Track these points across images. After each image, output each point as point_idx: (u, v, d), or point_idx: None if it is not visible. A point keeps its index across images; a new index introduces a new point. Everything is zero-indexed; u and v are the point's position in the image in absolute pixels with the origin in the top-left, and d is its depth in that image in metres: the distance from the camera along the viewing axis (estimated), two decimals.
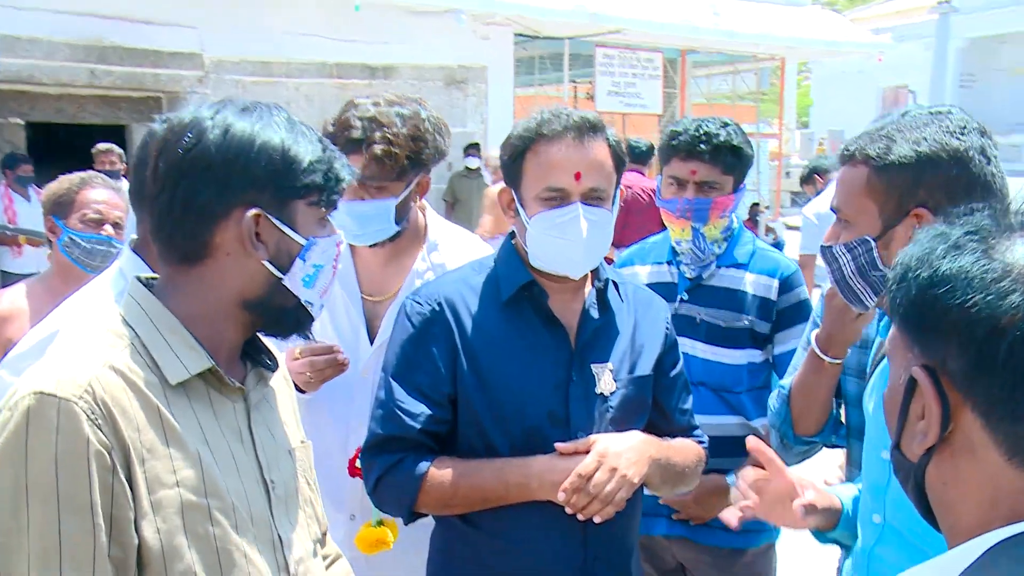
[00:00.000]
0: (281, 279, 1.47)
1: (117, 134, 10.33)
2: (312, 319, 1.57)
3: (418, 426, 2.00)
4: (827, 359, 2.13)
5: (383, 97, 2.41)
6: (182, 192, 1.41)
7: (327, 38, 10.86)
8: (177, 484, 1.35)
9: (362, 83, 11.23)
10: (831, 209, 1.89)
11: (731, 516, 2.04)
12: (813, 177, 9.30)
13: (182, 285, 1.46)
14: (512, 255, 2.13)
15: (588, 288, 2.14)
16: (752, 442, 1.97)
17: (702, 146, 2.70)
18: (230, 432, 1.47)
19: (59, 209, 2.89)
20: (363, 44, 11.18)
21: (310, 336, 1.64)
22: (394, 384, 2.03)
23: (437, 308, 2.06)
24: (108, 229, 2.89)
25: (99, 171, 4.38)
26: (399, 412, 2.01)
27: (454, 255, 2.52)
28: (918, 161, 1.71)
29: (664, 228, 2.92)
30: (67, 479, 1.25)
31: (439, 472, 1.97)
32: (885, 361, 1.92)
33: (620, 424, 2.07)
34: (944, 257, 0.97)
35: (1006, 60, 30.76)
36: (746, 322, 2.76)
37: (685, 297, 2.81)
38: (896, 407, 1.04)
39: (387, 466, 2.00)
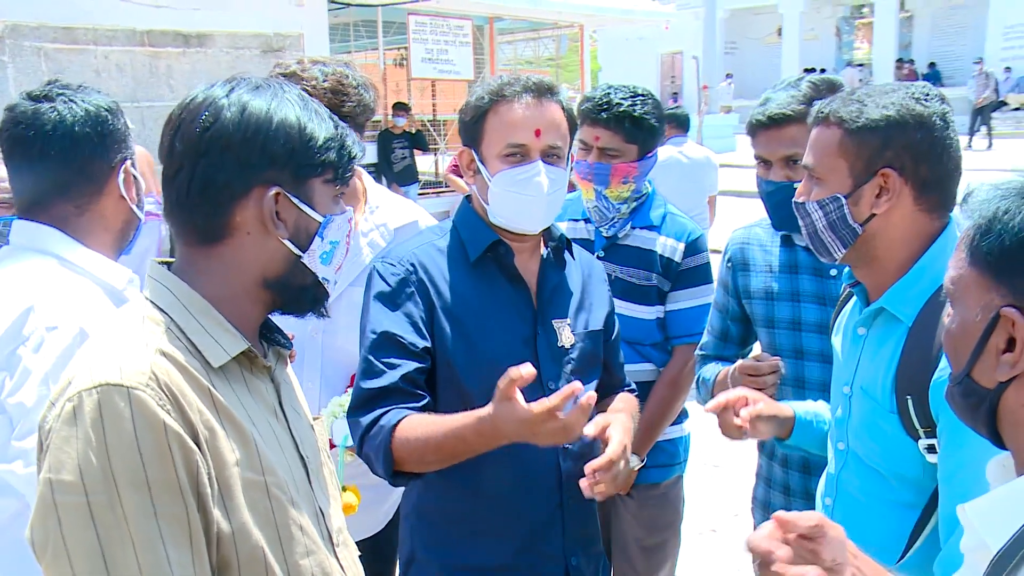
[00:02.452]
0: (300, 257, 1.44)
1: None
2: (328, 296, 1.53)
3: (399, 377, 1.98)
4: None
5: (309, 58, 2.43)
6: (201, 172, 1.36)
7: (138, 4, 10.18)
8: (236, 463, 1.33)
9: (176, 51, 10.65)
10: (803, 166, 1.92)
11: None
12: None
13: (203, 266, 1.41)
14: (473, 217, 2.17)
15: (542, 248, 2.19)
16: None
17: (603, 114, 2.76)
18: (267, 410, 1.45)
19: None
20: (175, 11, 10.54)
21: (325, 313, 1.56)
22: (375, 341, 2.02)
23: (411, 268, 2.08)
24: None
25: None
26: (382, 366, 1.99)
27: (395, 214, 2.63)
28: (887, 124, 1.76)
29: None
30: (152, 464, 1.23)
31: (408, 427, 1.90)
32: (849, 306, 2.04)
33: (580, 375, 2.13)
34: None
35: (760, 30, 32.63)
36: (655, 280, 2.86)
37: (602, 255, 2.86)
38: (972, 340, 1.15)
39: (367, 424, 1.96)
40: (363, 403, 1.98)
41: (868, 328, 1.89)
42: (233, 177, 1.37)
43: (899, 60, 29.86)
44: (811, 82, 2.44)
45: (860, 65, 31.73)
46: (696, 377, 2.54)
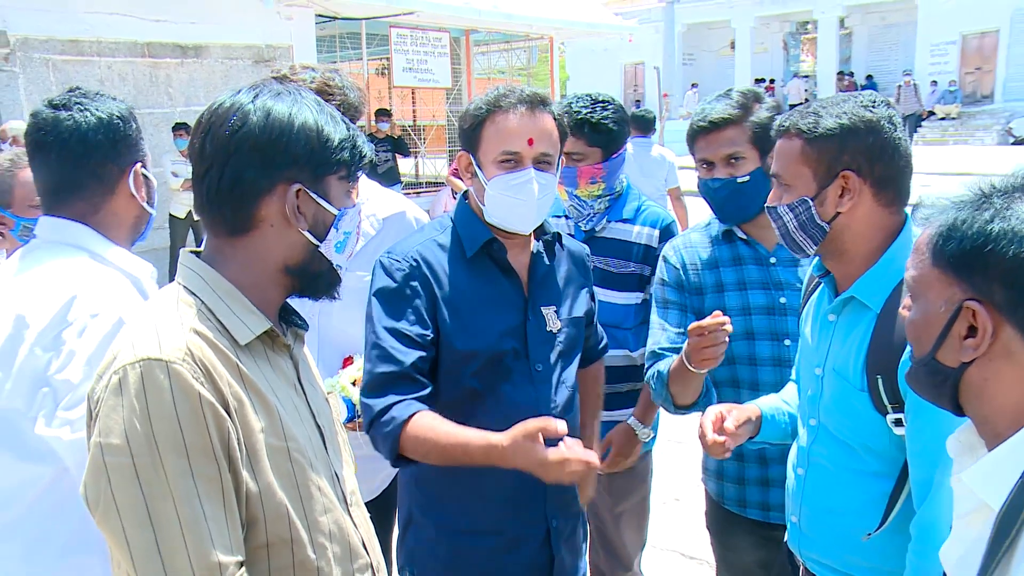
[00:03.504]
0: (318, 246, 1.48)
1: None
2: (340, 281, 1.57)
3: (409, 363, 2.00)
4: (692, 369, 2.26)
5: (300, 64, 2.50)
6: (230, 170, 1.41)
7: (137, 18, 10.06)
8: (262, 431, 1.38)
9: (174, 62, 10.60)
10: (772, 176, 1.98)
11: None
12: None
13: (231, 255, 1.46)
14: (470, 215, 2.19)
15: (532, 241, 2.22)
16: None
17: (565, 120, 2.67)
18: (287, 384, 1.50)
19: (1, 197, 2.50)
20: (173, 24, 10.47)
21: (337, 296, 1.59)
22: (385, 331, 2.04)
23: (415, 264, 2.10)
24: None
25: None
26: (392, 353, 2.01)
27: (383, 205, 2.66)
28: (842, 131, 1.83)
29: None
30: (189, 429, 1.28)
31: (417, 428, 1.92)
32: (817, 294, 2.08)
33: (564, 356, 2.21)
34: (992, 221, 1.21)
35: (715, 43, 32.80)
36: (632, 268, 2.88)
37: (587, 250, 2.75)
38: (936, 329, 1.28)
39: (379, 410, 1.97)
40: (376, 387, 2.00)
41: (838, 315, 1.94)
42: (259, 175, 1.41)
43: (840, 72, 30.13)
44: (740, 92, 2.50)
45: (806, 76, 31.91)
46: (649, 376, 2.54)
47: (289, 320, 1.59)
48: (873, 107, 1.85)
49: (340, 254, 1.53)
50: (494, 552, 2.16)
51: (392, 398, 1.96)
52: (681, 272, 2.59)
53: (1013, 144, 24.96)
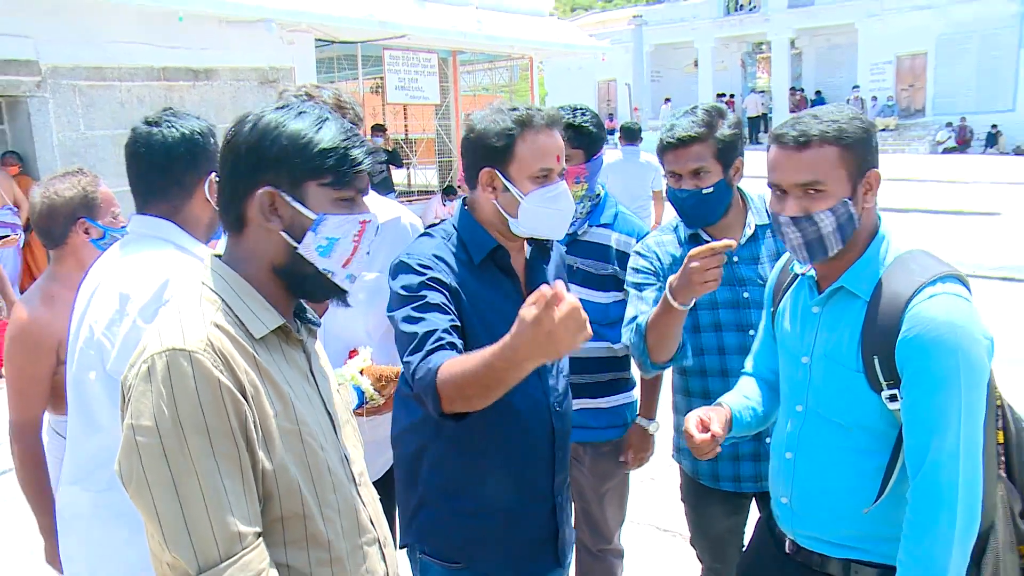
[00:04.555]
0: (296, 248, 1.44)
1: None
2: (336, 287, 1.51)
3: (442, 326, 1.92)
4: (677, 305, 2.24)
5: (311, 84, 2.53)
6: (226, 174, 1.45)
7: (154, 45, 10.05)
8: (276, 415, 1.39)
9: (187, 84, 10.55)
10: (801, 185, 1.83)
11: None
12: None
13: (236, 252, 1.47)
14: (474, 224, 2.14)
15: (526, 246, 2.20)
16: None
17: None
18: (300, 375, 1.50)
19: (88, 210, 2.58)
20: (186, 50, 10.43)
21: (346, 303, 1.56)
22: (417, 306, 1.95)
23: (436, 260, 2.05)
24: None
25: None
26: (426, 317, 1.93)
27: (379, 212, 2.54)
28: (862, 133, 1.82)
29: None
30: (211, 413, 1.29)
31: (449, 366, 1.79)
32: (791, 293, 2.06)
33: None
34: None
35: (680, 62, 32.94)
36: (611, 270, 2.85)
37: (564, 249, 2.77)
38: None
39: (416, 363, 1.86)
40: (415, 346, 1.89)
41: (822, 307, 1.93)
42: (243, 178, 1.43)
43: (792, 88, 30.32)
44: (704, 109, 2.49)
45: (762, 91, 32.05)
46: (628, 339, 2.49)
47: (303, 317, 1.58)
48: (862, 117, 1.87)
49: (326, 258, 1.46)
50: (505, 529, 2.14)
51: (429, 347, 1.87)
52: (655, 261, 2.62)
53: (942, 152, 25.45)
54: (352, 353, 2.57)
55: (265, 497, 1.38)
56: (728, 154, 2.46)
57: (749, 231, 2.56)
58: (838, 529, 1.91)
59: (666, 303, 2.26)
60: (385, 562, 1.59)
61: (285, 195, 1.42)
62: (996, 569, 1.80)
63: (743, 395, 2.21)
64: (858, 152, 1.81)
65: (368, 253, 1.53)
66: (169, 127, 2.10)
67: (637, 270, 2.65)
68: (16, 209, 8.65)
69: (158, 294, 1.94)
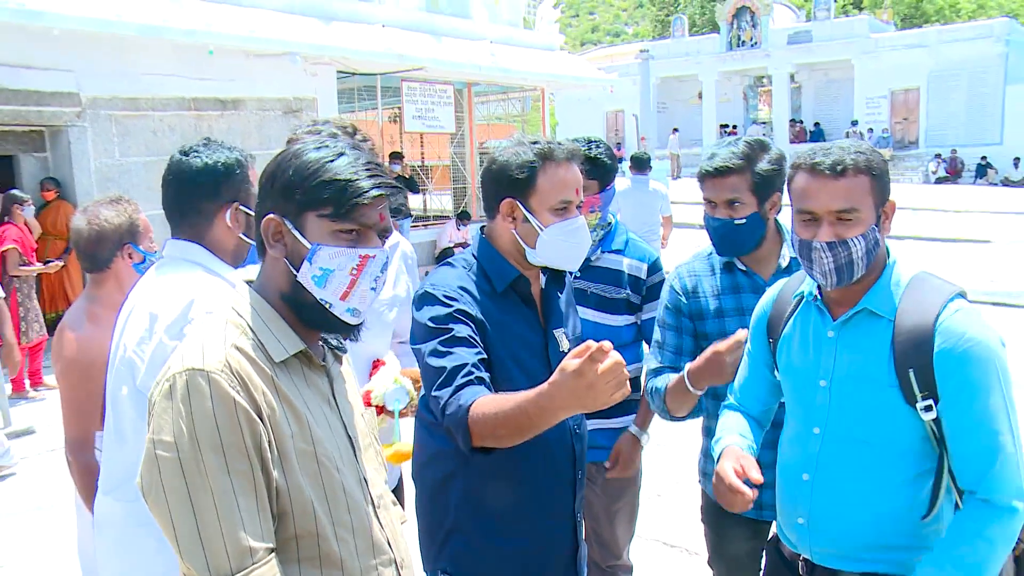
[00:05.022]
0: (295, 276, 1.43)
1: (6, 163, 9.50)
2: (337, 319, 1.45)
3: (471, 360, 1.88)
4: (693, 390, 2.30)
5: (333, 118, 2.49)
6: (257, 203, 1.48)
7: (185, 77, 10.18)
8: (292, 436, 1.37)
9: (215, 113, 10.66)
10: (836, 212, 1.83)
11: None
12: None
13: (261, 277, 1.48)
14: (494, 253, 2.11)
15: (541, 275, 2.16)
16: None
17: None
18: (320, 398, 1.48)
19: (132, 236, 2.64)
20: (215, 82, 10.54)
21: (356, 338, 1.52)
22: (445, 340, 1.91)
23: (461, 292, 2.01)
24: None
25: None
26: (455, 350, 1.89)
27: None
28: (885, 166, 1.86)
29: None
30: (226, 431, 1.29)
31: (482, 405, 1.77)
32: (796, 318, 2.04)
33: None
34: None
35: (684, 94, 33.07)
36: (623, 294, 2.86)
37: (578, 274, 2.82)
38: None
39: (447, 398, 1.82)
40: (443, 381, 1.85)
41: (839, 331, 1.91)
42: (260, 206, 1.45)
43: (792, 120, 30.42)
44: (747, 142, 2.44)
45: (763, 123, 32.14)
46: (648, 389, 2.51)
47: (329, 344, 1.57)
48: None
49: (321, 288, 1.42)
50: (533, 549, 2.11)
51: (459, 383, 1.83)
52: (682, 297, 2.57)
53: (935, 183, 25.49)
54: (378, 363, 2.59)
55: (279, 515, 1.37)
56: (765, 188, 2.41)
57: (784, 263, 2.50)
58: (857, 543, 1.90)
59: (682, 384, 2.28)
60: None
61: (287, 222, 1.41)
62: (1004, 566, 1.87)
63: (740, 434, 2.15)
64: (883, 182, 1.84)
65: (373, 289, 1.47)
66: (196, 156, 2.13)
67: (665, 306, 2.62)
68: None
69: (183, 313, 1.96)
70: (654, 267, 2.91)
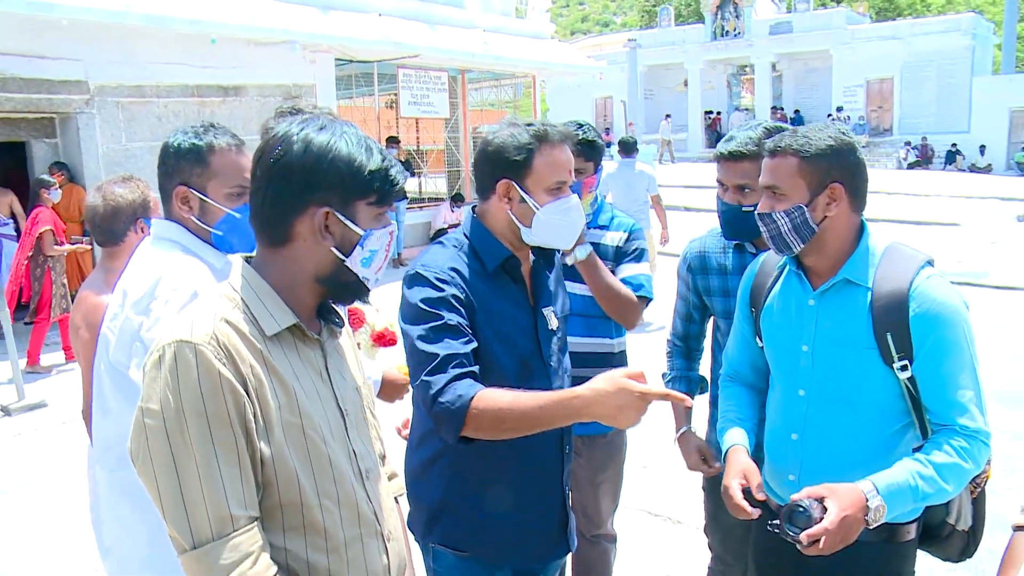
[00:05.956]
0: (344, 261, 1.43)
1: (19, 148, 9.49)
2: (368, 291, 1.50)
3: (462, 349, 1.84)
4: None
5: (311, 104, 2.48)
6: (272, 192, 1.38)
7: (189, 65, 10.15)
8: (279, 408, 1.36)
9: (218, 100, 10.61)
10: (763, 187, 1.95)
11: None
12: None
13: (272, 262, 1.43)
14: (485, 233, 2.07)
15: (530, 254, 2.13)
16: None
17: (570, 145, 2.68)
18: (313, 372, 1.45)
19: (145, 211, 2.67)
20: (217, 69, 10.50)
21: (367, 301, 1.55)
22: (437, 325, 1.86)
23: (452, 274, 1.96)
24: None
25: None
26: (447, 338, 1.85)
27: None
28: (831, 151, 1.87)
29: None
30: (210, 401, 1.28)
31: (486, 399, 1.73)
32: (779, 289, 2.07)
33: (563, 349, 2.17)
34: None
35: (671, 81, 32.97)
36: (609, 267, 2.79)
37: (560, 256, 2.75)
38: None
39: (441, 387, 1.78)
40: (435, 367, 1.81)
41: (819, 299, 1.96)
42: (295, 197, 1.38)
43: (773, 107, 30.31)
44: (766, 128, 2.37)
45: (746, 110, 32.06)
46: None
47: (327, 318, 1.53)
48: (847, 134, 1.92)
49: (367, 268, 1.45)
50: (525, 522, 2.09)
51: (454, 372, 1.79)
52: (691, 273, 2.60)
53: (908, 168, 25.60)
54: (352, 310, 2.61)
55: (264, 484, 1.35)
56: None
57: None
58: None
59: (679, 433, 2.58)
60: (387, 555, 1.54)
61: (338, 214, 1.40)
62: (960, 502, 2.01)
63: (742, 423, 2.18)
64: (822, 166, 1.86)
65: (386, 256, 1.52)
66: (170, 137, 2.11)
67: (678, 274, 2.67)
68: (8, 222, 8.72)
69: (150, 291, 1.95)
70: (632, 235, 2.90)
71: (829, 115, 28.49)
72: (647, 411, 1.57)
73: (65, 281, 7.74)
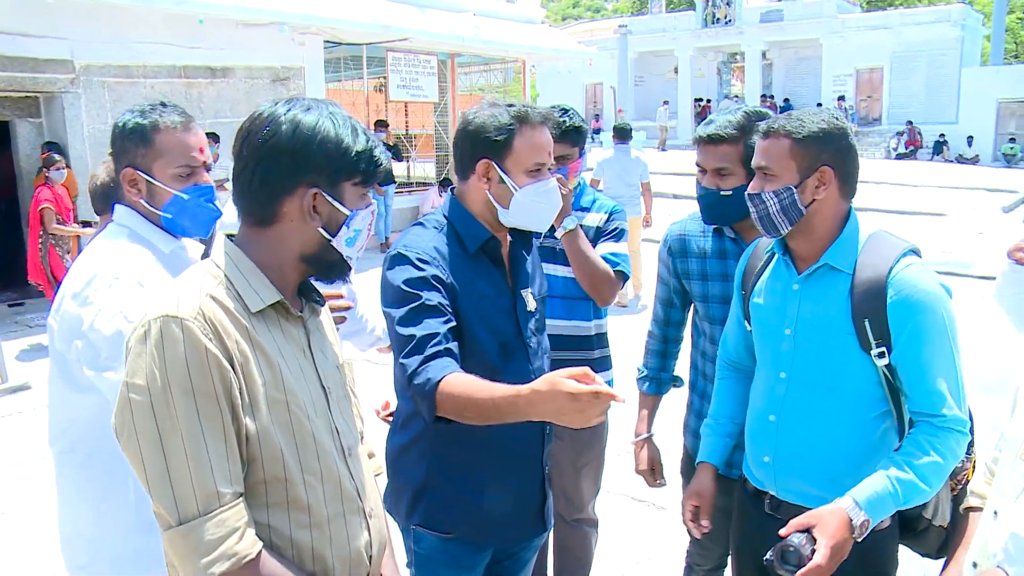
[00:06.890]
0: (330, 241, 1.44)
1: (3, 128, 9.38)
2: (350, 269, 1.52)
3: (441, 329, 1.83)
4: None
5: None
6: (259, 172, 1.39)
7: (176, 46, 10.05)
8: (264, 384, 1.36)
9: (205, 81, 10.53)
10: (755, 167, 1.96)
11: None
12: None
13: (256, 241, 1.44)
14: (465, 214, 2.06)
15: (508, 236, 2.12)
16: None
17: (554, 131, 2.62)
18: (296, 349, 1.46)
19: (116, 193, 2.61)
20: (205, 50, 10.41)
21: (348, 280, 1.57)
22: (416, 305, 1.85)
23: (433, 255, 1.95)
24: None
25: None
26: (425, 319, 1.84)
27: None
28: (824, 134, 1.88)
29: None
30: (196, 376, 1.27)
31: (451, 387, 1.72)
32: (769, 273, 2.08)
33: (542, 329, 2.17)
34: None
35: (661, 68, 32.93)
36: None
37: (548, 233, 2.72)
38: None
39: (413, 369, 1.77)
40: (412, 349, 1.81)
41: (803, 283, 1.97)
42: (283, 178, 1.39)
43: (763, 95, 30.31)
44: (746, 112, 2.35)
45: (736, 97, 31.99)
46: (639, 381, 2.72)
47: (309, 296, 1.54)
48: (840, 119, 1.91)
49: (351, 247, 1.47)
50: (505, 502, 2.09)
51: (429, 351, 1.79)
52: (671, 256, 2.59)
53: (896, 158, 25.70)
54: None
55: (249, 460, 1.35)
56: None
57: None
58: (819, 479, 1.95)
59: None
60: (369, 531, 1.54)
61: (325, 194, 1.41)
62: (938, 498, 2.01)
63: (725, 427, 2.27)
64: (813, 149, 1.87)
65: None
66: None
67: (660, 259, 2.67)
68: None
69: (88, 280, 1.94)
70: (612, 217, 2.88)
71: (819, 104, 28.51)
72: (605, 410, 1.50)
73: (72, 261, 7.74)
